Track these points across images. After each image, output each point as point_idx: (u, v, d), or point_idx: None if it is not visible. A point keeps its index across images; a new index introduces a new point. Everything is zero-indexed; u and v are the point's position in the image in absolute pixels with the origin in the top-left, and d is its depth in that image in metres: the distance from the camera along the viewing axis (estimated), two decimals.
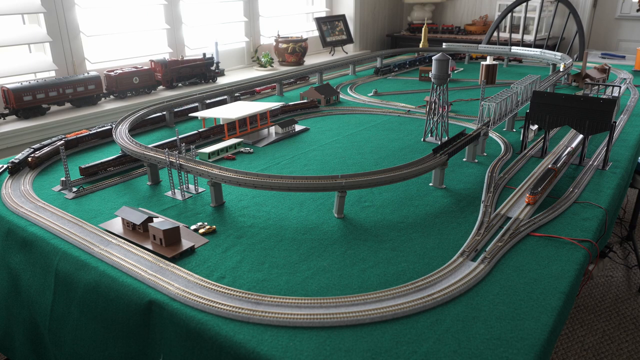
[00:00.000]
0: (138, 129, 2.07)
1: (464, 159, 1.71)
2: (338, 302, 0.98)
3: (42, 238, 1.25)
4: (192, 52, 3.25)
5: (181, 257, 1.15)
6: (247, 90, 2.53)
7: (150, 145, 1.58)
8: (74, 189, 1.50)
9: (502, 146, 1.84)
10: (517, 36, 4.11)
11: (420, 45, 3.70)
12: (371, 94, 2.65)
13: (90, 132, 1.89)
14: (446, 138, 1.88)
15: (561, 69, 2.57)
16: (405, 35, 4.97)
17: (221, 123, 1.99)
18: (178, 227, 1.20)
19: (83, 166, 1.58)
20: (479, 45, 3.30)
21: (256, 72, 3.53)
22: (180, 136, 1.82)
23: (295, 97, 2.60)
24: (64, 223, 1.30)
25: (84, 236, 1.23)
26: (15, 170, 1.60)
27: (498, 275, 1.07)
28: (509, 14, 3.93)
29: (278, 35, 3.76)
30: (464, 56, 3.54)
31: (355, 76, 3.11)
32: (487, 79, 2.82)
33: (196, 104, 2.24)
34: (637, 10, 4.28)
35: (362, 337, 0.90)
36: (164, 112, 2.12)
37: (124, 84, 2.68)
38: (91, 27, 2.74)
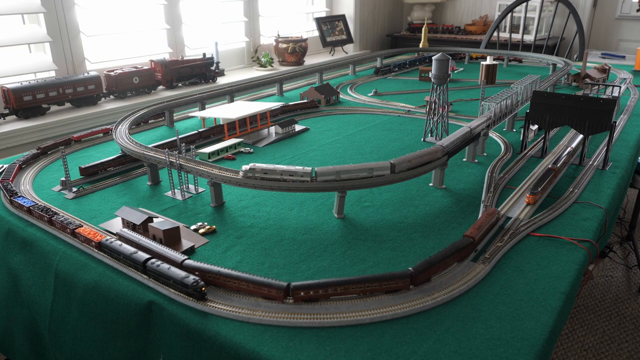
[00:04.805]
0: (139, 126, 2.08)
1: (464, 159, 1.71)
2: (338, 302, 0.98)
3: (42, 238, 1.25)
4: (192, 52, 3.25)
5: None
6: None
7: (150, 145, 1.58)
8: (74, 189, 1.50)
9: (502, 146, 1.84)
10: (517, 36, 4.11)
11: (420, 45, 3.70)
12: (371, 94, 2.65)
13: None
14: None
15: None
16: (405, 35, 4.96)
17: (221, 123, 1.99)
18: (178, 227, 1.20)
19: (83, 166, 1.58)
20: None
21: (256, 72, 3.53)
22: (180, 136, 1.82)
23: (295, 97, 2.59)
24: None
25: None
26: None
27: (498, 275, 1.07)
28: (509, 14, 3.93)
29: (278, 35, 3.76)
30: (464, 56, 3.54)
31: (355, 76, 3.11)
32: (487, 79, 2.82)
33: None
34: (637, 10, 4.28)
35: (362, 337, 0.89)
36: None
37: (124, 84, 2.68)
38: (91, 27, 2.74)
